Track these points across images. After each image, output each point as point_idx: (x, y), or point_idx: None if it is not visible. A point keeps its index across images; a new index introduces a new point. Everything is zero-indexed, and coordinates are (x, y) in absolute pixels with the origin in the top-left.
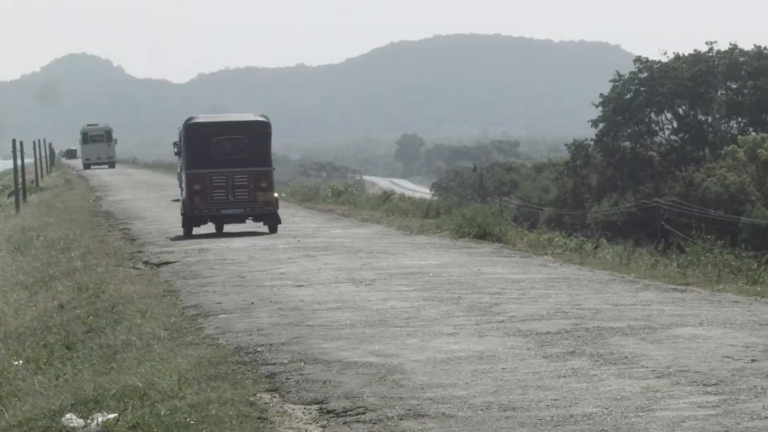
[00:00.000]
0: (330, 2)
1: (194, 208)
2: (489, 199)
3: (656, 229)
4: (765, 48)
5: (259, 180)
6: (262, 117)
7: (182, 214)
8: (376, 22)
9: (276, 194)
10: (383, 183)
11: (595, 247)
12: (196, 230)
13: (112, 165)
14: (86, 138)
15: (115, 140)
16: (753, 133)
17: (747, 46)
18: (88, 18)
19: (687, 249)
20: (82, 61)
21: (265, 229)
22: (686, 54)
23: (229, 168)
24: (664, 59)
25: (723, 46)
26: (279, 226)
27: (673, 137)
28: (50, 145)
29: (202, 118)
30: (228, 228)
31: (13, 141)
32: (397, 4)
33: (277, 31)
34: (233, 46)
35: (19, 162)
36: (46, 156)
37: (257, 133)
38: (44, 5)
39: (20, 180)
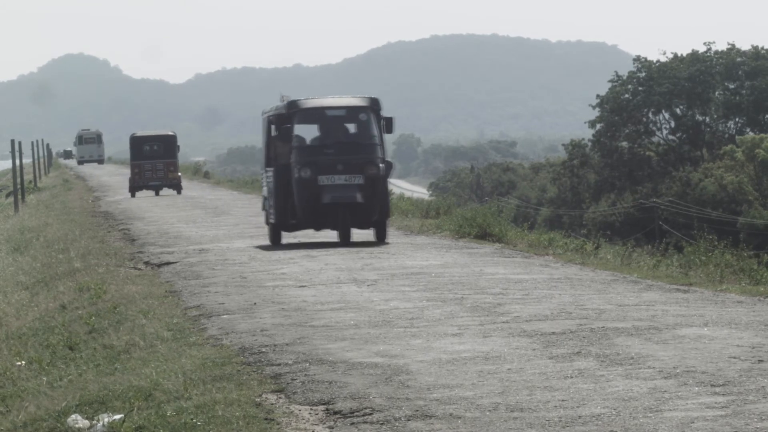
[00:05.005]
0: (327, 2)
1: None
2: (487, 199)
3: (654, 229)
4: (763, 48)
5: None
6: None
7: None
8: (374, 23)
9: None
10: None
11: (596, 248)
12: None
13: (101, 162)
14: (81, 140)
15: (104, 142)
16: (751, 133)
17: (745, 46)
18: (86, 18)
19: (686, 249)
20: (79, 62)
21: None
22: (684, 54)
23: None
24: (663, 59)
25: (721, 46)
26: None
27: (670, 137)
28: (48, 145)
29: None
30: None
31: (12, 141)
32: (394, 4)
33: (274, 31)
34: (230, 47)
35: (17, 162)
36: (44, 157)
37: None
38: (42, 5)
39: (19, 180)
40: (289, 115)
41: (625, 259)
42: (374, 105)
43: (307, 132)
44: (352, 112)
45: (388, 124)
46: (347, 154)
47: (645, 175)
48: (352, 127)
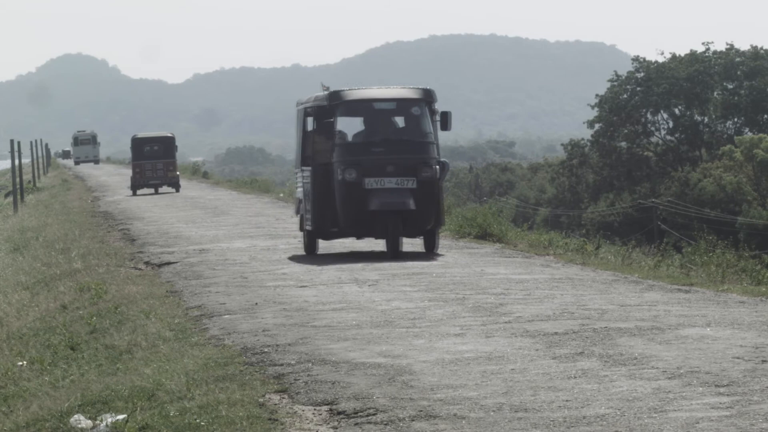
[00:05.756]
0: (325, 3)
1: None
2: (485, 199)
3: (653, 229)
4: (762, 48)
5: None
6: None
7: (307, 230)
8: (372, 23)
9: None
10: None
11: (597, 248)
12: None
13: (96, 162)
14: (77, 141)
15: (99, 143)
16: (749, 134)
17: (744, 46)
18: (84, 18)
19: (685, 249)
20: (77, 62)
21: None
22: (683, 54)
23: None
24: (661, 59)
25: (720, 46)
26: None
27: (669, 138)
28: (47, 145)
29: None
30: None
31: (12, 141)
32: (393, 4)
33: (272, 31)
34: (228, 47)
35: (16, 162)
36: (42, 157)
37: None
38: (40, 5)
39: (18, 180)
40: (330, 107)
41: (626, 259)
42: (428, 97)
43: (349, 127)
44: (403, 105)
45: (443, 120)
46: (398, 154)
47: (643, 175)
48: (402, 123)
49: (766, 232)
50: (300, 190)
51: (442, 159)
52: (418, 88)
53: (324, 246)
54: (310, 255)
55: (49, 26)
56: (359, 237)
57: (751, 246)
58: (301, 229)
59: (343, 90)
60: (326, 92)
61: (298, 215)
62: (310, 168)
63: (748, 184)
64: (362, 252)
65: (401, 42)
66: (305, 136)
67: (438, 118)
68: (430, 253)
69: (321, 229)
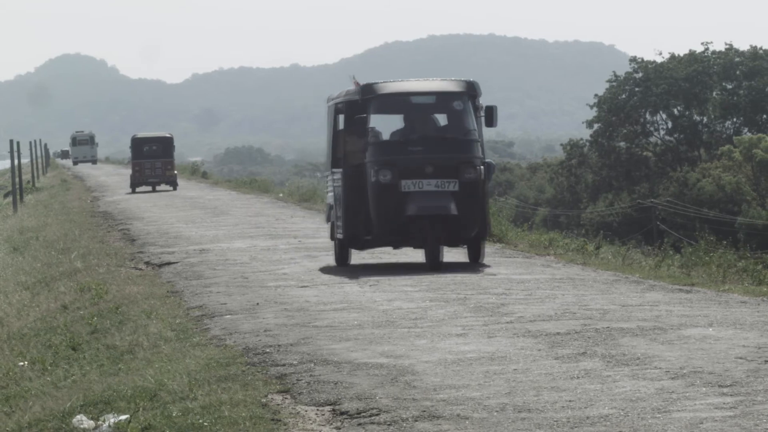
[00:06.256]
0: (324, 3)
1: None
2: None
3: (652, 229)
4: (761, 48)
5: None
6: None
7: (338, 239)
8: (371, 23)
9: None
10: None
11: (597, 248)
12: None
13: (94, 162)
14: (75, 141)
15: (97, 143)
16: (748, 134)
17: (743, 46)
18: (83, 18)
19: (685, 250)
20: (76, 62)
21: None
22: (681, 54)
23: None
24: (659, 59)
25: (719, 46)
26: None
27: (668, 138)
28: (45, 145)
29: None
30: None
31: (11, 141)
32: (392, 4)
33: (271, 31)
34: (227, 47)
35: (16, 162)
36: (42, 157)
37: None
38: (39, 6)
39: (17, 180)
40: (363, 102)
41: (627, 259)
42: (471, 90)
43: (385, 124)
44: (444, 99)
45: (488, 115)
46: (438, 153)
47: (642, 176)
48: (443, 119)
49: (765, 232)
50: (330, 195)
51: (486, 159)
52: (460, 80)
53: (357, 258)
54: (342, 267)
55: (47, 26)
56: (395, 246)
57: (752, 246)
58: (332, 238)
59: (377, 83)
60: (358, 86)
61: (329, 223)
62: (341, 170)
63: (747, 184)
64: (398, 264)
65: (400, 42)
66: (336, 136)
67: (482, 113)
68: (474, 264)
69: (353, 237)
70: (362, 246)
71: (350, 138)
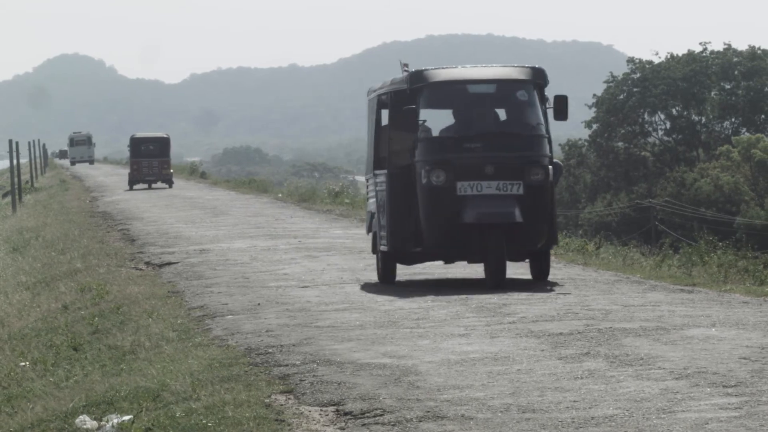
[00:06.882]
0: (322, 2)
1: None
2: None
3: (650, 229)
4: (759, 48)
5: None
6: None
7: (381, 251)
8: (369, 23)
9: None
10: None
11: (598, 248)
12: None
13: (91, 162)
14: (72, 142)
15: (94, 144)
16: (746, 134)
17: (741, 46)
18: (81, 18)
19: (684, 250)
20: (74, 62)
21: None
22: (680, 54)
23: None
24: (657, 60)
25: (717, 46)
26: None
27: (666, 138)
28: (44, 146)
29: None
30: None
31: (10, 141)
32: (390, 4)
33: (269, 31)
34: (226, 47)
35: (15, 162)
36: (40, 157)
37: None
38: (37, 6)
39: (16, 180)
40: (412, 92)
41: (627, 259)
42: (538, 78)
43: (432, 121)
44: (506, 88)
45: (558, 107)
46: (500, 151)
47: (641, 176)
48: (505, 112)
49: (764, 232)
50: (372, 201)
51: (555, 160)
52: (524, 67)
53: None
54: (386, 284)
55: (45, 26)
56: (448, 260)
57: (753, 246)
58: (374, 251)
59: (428, 69)
60: (407, 74)
61: (370, 233)
62: (385, 172)
63: (746, 185)
64: (454, 280)
65: (398, 42)
66: (379, 132)
67: (551, 104)
68: (540, 281)
69: (399, 249)
70: (409, 260)
71: (396, 134)
